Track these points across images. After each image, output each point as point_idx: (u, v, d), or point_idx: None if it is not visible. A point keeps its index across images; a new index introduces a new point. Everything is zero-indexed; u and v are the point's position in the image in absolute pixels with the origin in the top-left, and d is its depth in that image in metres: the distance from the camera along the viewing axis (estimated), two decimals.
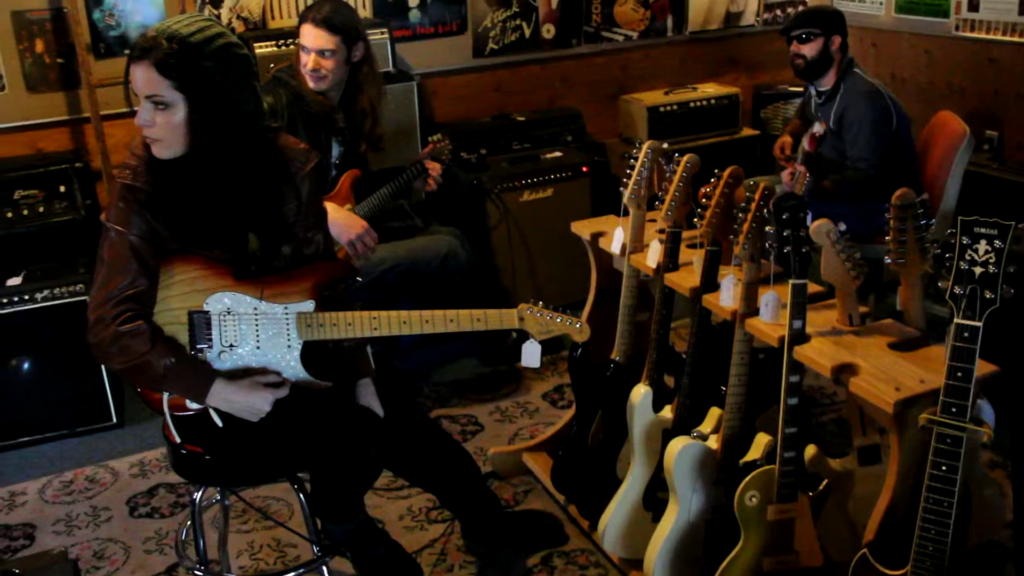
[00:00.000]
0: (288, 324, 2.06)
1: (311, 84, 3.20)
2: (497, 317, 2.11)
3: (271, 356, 2.07)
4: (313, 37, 3.15)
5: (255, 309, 2.05)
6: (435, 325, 2.08)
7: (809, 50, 3.55)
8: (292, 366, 2.07)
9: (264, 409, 2.01)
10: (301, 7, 4.04)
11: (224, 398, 2.00)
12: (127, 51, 2.01)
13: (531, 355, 2.18)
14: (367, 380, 2.25)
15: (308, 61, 3.17)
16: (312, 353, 2.11)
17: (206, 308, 2.04)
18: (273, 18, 4.05)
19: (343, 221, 3.13)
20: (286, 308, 2.07)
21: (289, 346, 2.06)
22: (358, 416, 2.13)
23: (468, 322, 2.09)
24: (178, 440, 2.12)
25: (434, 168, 3.43)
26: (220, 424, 2.05)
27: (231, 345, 2.05)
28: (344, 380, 2.23)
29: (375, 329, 2.06)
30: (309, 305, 2.07)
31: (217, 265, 2.05)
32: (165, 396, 2.04)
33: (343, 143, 3.39)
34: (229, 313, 2.04)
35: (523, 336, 2.18)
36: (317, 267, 2.15)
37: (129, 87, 1.98)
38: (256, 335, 2.05)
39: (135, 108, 2.03)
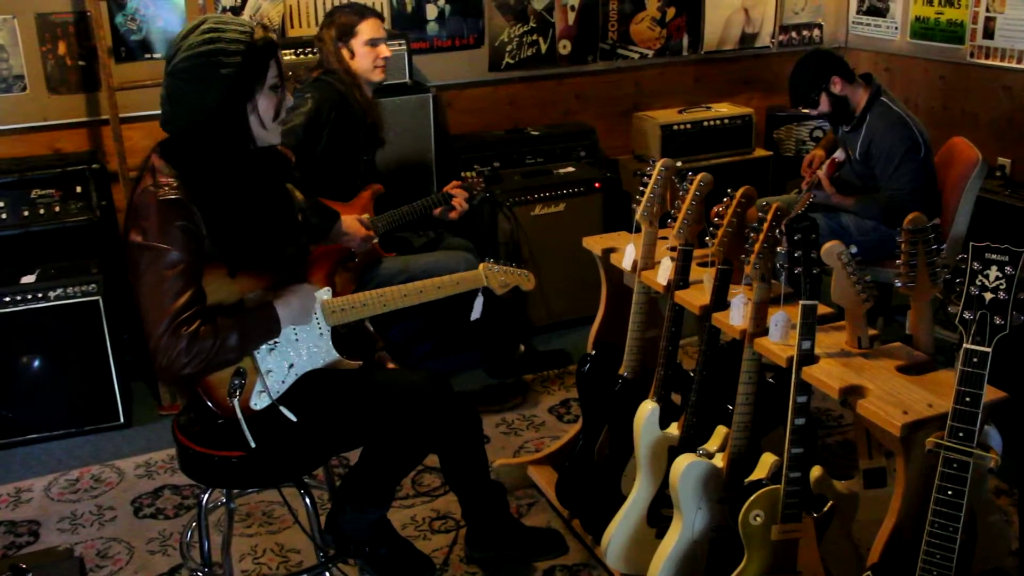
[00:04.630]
0: (317, 313, 2.22)
1: (380, 75, 3.40)
2: (471, 276, 2.43)
3: (310, 344, 2.20)
4: (380, 28, 3.39)
5: None
6: (426, 293, 2.36)
7: (823, 107, 3.52)
8: (325, 350, 2.23)
9: (315, 290, 2.19)
10: (320, 16, 4.06)
11: (289, 316, 2.10)
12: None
13: (478, 308, 2.50)
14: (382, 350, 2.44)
15: (385, 50, 3.39)
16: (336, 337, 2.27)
17: None
18: (292, 27, 4.08)
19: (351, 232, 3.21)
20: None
21: (321, 333, 2.23)
22: (431, 379, 2.32)
23: (451, 286, 2.38)
24: (253, 445, 2.09)
25: (460, 194, 3.50)
26: (294, 419, 2.12)
27: (276, 342, 2.14)
28: (367, 355, 2.38)
29: (384, 305, 2.29)
30: (327, 292, 2.24)
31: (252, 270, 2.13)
32: (236, 403, 2.06)
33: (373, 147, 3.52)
34: None
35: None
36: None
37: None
38: (294, 328, 2.18)
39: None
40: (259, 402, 2.12)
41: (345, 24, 3.35)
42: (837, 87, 3.49)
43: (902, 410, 1.86)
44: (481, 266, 2.45)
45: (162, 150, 2.06)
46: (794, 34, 5.08)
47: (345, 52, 3.34)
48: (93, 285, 3.37)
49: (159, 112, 2.07)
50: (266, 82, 2.06)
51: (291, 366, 2.16)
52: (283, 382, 2.16)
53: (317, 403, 2.19)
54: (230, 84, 2.00)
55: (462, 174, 3.59)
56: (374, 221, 3.36)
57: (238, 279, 2.09)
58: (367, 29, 3.34)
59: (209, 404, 2.08)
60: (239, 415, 2.06)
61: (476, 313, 2.50)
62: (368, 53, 3.34)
